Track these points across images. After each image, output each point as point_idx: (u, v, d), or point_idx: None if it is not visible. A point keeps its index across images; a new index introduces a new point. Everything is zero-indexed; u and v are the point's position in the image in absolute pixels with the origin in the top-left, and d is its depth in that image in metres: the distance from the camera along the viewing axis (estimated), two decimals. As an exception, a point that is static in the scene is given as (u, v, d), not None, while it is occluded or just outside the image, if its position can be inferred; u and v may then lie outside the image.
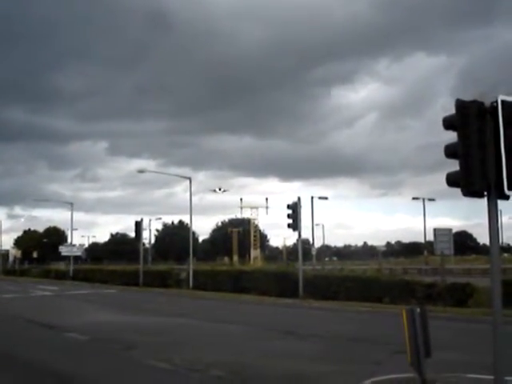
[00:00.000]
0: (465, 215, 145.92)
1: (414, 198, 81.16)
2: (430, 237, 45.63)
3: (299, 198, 28.93)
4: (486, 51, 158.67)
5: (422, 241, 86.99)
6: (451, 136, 7.72)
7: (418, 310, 8.48)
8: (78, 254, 62.09)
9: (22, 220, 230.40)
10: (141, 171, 44.55)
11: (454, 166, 7.58)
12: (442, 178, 7.89)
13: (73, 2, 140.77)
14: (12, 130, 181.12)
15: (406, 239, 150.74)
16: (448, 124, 7.58)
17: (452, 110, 7.50)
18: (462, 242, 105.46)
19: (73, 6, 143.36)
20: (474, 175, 7.17)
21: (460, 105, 7.39)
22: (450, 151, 7.61)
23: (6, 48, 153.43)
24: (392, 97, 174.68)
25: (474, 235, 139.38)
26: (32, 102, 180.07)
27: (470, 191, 7.33)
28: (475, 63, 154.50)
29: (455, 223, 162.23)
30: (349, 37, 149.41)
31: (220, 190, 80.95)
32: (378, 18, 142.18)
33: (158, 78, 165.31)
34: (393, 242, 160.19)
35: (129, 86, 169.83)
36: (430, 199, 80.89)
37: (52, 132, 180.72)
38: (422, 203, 78.82)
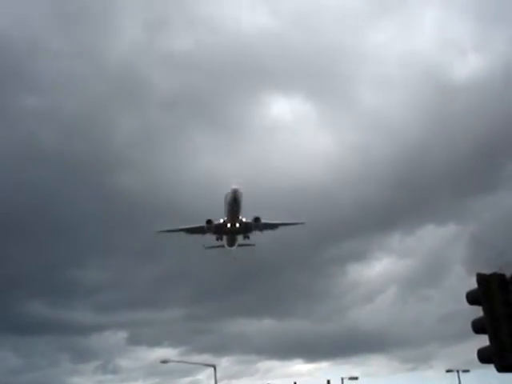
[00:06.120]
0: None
1: (448, 371, 77.77)
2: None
3: (329, 382, 27.98)
4: (491, 217, 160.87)
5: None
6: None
7: None
8: None
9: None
10: (164, 361, 43.77)
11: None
12: (470, 346, 7.82)
13: (88, 201, 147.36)
14: (34, 324, 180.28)
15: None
16: (472, 299, 7.63)
17: (466, 278, 7.61)
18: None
19: (88, 204, 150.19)
20: (506, 350, 7.05)
21: (481, 279, 7.46)
22: (478, 327, 7.56)
23: (27, 244, 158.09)
24: (408, 269, 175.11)
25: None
26: (53, 296, 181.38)
27: (504, 366, 7.17)
28: (482, 230, 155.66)
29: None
30: (358, 216, 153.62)
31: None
32: (385, 197, 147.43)
33: (174, 266, 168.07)
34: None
35: (146, 276, 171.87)
36: (464, 370, 77.42)
37: (73, 324, 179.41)
38: (455, 375, 75.28)
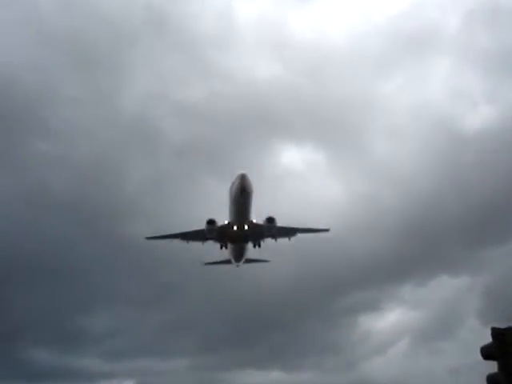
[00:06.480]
0: None
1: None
2: None
3: None
4: (505, 269, 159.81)
5: None
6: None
7: None
8: None
9: None
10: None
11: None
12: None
13: (98, 248, 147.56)
14: (40, 371, 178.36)
15: None
16: (487, 354, 7.38)
17: (479, 330, 7.29)
18: None
19: (97, 251, 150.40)
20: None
21: (496, 333, 7.24)
22: (493, 382, 7.30)
23: (35, 291, 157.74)
24: (421, 320, 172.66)
25: None
26: (60, 343, 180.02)
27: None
28: (496, 281, 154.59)
29: None
30: (369, 265, 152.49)
31: None
32: (396, 247, 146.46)
33: (183, 315, 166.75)
34: None
35: (155, 324, 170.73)
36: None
37: (80, 372, 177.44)
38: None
